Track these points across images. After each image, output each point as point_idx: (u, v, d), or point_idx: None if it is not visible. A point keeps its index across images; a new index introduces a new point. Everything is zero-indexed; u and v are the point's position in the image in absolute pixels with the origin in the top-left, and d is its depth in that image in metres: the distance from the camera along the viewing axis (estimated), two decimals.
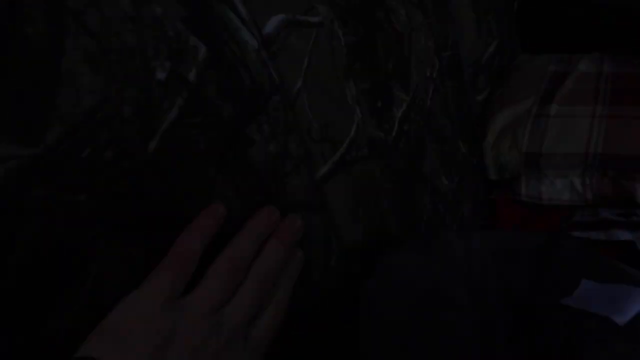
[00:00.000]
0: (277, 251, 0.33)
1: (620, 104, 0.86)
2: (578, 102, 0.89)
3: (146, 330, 0.26)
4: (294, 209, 0.41)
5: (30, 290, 0.25)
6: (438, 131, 0.66)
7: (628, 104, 0.86)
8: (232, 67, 0.36)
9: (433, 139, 0.64)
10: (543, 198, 0.86)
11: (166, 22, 0.32)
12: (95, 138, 0.27)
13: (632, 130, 0.82)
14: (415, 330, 0.41)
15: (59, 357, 0.25)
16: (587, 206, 0.84)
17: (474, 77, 0.96)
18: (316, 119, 0.44)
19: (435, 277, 0.43)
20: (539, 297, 0.45)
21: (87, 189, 0.26)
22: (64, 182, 0.25)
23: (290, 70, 0.43)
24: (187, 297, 0.29)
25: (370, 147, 0.51)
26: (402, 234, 0.53)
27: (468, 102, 0.84)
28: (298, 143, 0.42)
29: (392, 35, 0.58)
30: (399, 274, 0.42)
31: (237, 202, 0.36)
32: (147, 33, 0.30)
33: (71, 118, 0.25)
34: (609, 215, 0.82)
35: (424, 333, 0.41)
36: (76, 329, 0.26)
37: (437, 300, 0.42)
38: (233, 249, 0.32)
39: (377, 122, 0.52)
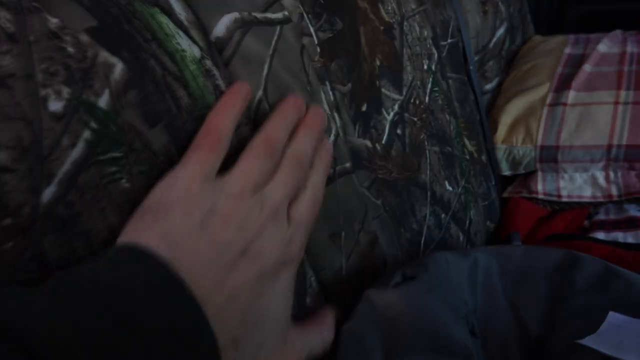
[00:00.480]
0: (309, 136, 0.33)
1: None
2: (599, 87, 0.80)
3: (187, 207, 0.25)
4: None
5: None
6: (439, 131, 0.59)
7: None
8: (161, 84, 0.29)
9: (433, 141, 0.56)
10: (562, 195, 0.78)
11: (64, 35, 0.25)
12: None
13: None
14: None
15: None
16: (611, 202, 0.76)
17: (481, 65, 0.88)
18: None
19: (429, 315, 0.37)
20: (555, 332, 0.38)
21: None
22: None
23: (247, 79, 0.36)
24: (225, 176, 0.28)
25: (354, 159, 0.44)
26: (395, 259, 0.46)
27: (474, 93, 0.76)
28: None
29: (379, 26, 0.51)
30: (384, 314, 0.35)
31: None
32: (34, 52, 0.24)
33: None
34: (636, 212, 0.74)
35: None
36: None
37: (432, 345, 0.35)
38: (268, 130, 0.31)
39: (363, 129, 0.45)
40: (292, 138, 0.32)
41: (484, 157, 0.75)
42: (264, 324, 0.27)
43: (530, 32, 1.17)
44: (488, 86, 0.92)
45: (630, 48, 0.88)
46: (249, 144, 0.30)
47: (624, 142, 0.74)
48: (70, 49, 0.25)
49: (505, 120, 0.83)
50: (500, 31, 0.94)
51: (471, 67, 0.76)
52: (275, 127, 0.31)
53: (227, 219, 0.26)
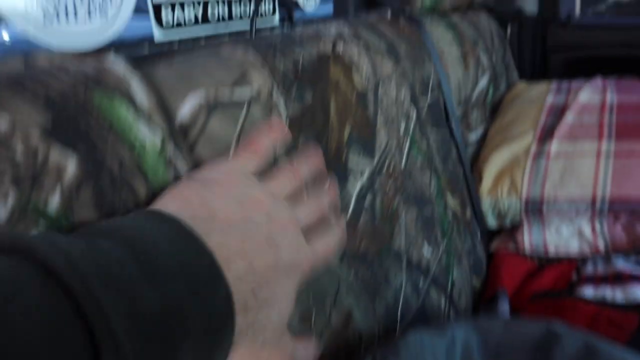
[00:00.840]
0: (326, 200, 0.36)
1: (627, 139, 0.78)
2: (581, 138, 0.81)
3: (229, 185, 0.29)
4: None
5: None
6: (417, 193, 0.58)
7: (637, 139, 0.77)
8: (118, 179, 0.29)
9: (409, 204, 0.56)
10: (549, 248, 0.77)
11: (15, 135, 0.25)
12: None
13: None
14: None
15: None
16: (599, 255, 0.75)
17: (465, 116, 0.88)
18: None
19: None
20: None
21: None
22: None
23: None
24: (263, 180, 0.32)
25: None
26: (370, 334, 0.44)
27: (457, 147, 0.76)
28: None
29: (352, 94, 0.51)
30: None
31: None
32: None
33: None
34: (625, 265, 0.73)
35: None
36: None
37: None
38: (297, 169, 0.35)
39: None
40: (316, 192, 0.36)
41: (468, 212, 0.74)
42: (271, 309, 0.29)
43: (514, 77, 1.19)
44: (473, 136, 0.92)
45: (610, 97, 0.89)
46: (281, 166, 0.36)
47: (608, 194, 0.74)
48: (20, 150, 0.25)
49: (490, 171, 0.83)
50: (483, 81, 0.95)
51: (453, 121, 0.76)
52: (302, 168, 0.36)
53: (260, 205, 0.30)
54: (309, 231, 0.33)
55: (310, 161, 0.37)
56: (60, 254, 0.20)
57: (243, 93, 0.39)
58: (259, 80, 0.41)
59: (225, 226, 0.27)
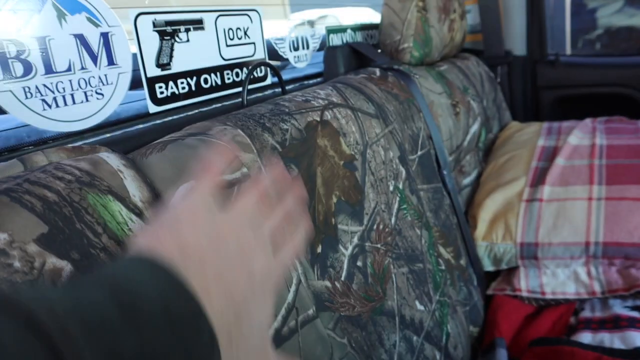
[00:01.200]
0: (296, 201, 0.37)
1: (618, 184, 0.79)
2: (572, 182, 0.82)
3: (196, 222, 0.30)
4: None
5: None
6: (407, 250, 0.59)
7: (627, 182, 0.78)
8: None
9: (400, 262, 0.57)
10: (546, 292, 0.78)
11: (12, 250, 0.27)
12: None
13: (634, 215, 0.74)
14: None
15: None
16: (596, 297, 0.76)
17: (457, 162, 0.90)
18: None
19: None
20: None
21: None
22: None
23: None
24: (226, 204, 0.32)
25: (317, 303, 0.44)
26: None
27: (450, 197, 0.77)
28: None
29: (339, 161, 0.53)
30: None
31: None
32: None
33: None
34: (622, 309, 0.73)
35: None
36: None
37: None
38: (261, 184, 0.36)
39: (321, 270, 0.46)
40: (283, 197, 0.37)
41: (463, 260, 0.75)
42: (252, 328, 0.30)
43: (506, 118, 1.21)
44: (467, 180, 0.94)
45: (599, 140, 0.90)
46: (243, 188, 0.36)
47: (601, 239, 0.74)
48: (17, 264, 0.27)
49: (485, 216, 0.84)
50: (475, 127, 0.97)
51: (445, 171, 0.78)
52: (263, 178, 0.37)
53: (228, 233, 0.31)
54: (277, 235, 0.35)
55: (272, 169, 0.38)
56: (43, 307, 0.21)
57: (233, 177, 0.41)
58: (248, 160, 0.43)
59: (201, 264, 0.28)
